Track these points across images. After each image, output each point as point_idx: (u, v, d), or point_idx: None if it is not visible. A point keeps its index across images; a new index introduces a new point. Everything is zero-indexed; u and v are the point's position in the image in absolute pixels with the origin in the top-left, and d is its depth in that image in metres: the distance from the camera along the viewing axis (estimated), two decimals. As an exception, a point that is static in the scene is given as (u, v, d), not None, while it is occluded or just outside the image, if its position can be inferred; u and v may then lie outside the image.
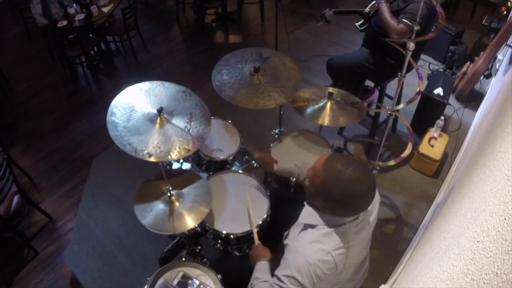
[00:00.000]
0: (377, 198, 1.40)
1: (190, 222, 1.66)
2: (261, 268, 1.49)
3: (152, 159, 1.49)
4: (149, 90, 1.67)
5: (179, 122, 1.62)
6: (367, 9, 2.61)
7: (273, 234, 1.68)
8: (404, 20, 2.24)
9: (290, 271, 1.23)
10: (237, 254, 1.88)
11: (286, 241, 1.37)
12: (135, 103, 1.61)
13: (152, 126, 1.57)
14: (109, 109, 1.56)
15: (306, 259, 1.21)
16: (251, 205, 1.81)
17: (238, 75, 1.99)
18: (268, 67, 2.02)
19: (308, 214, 1.32)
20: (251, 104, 1.88)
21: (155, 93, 1.67)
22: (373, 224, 1.39)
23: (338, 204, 1.20)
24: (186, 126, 1.61)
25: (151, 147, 1.51)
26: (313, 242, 1.24)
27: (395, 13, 2.36)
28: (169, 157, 1.52)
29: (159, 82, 1.70)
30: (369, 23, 2.63)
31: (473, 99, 3.47)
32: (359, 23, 2.72)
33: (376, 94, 3.23)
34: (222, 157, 2.13)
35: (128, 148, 1.49)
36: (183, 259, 2.07)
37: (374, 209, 1.38)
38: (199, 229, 1.92)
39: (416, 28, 1.75)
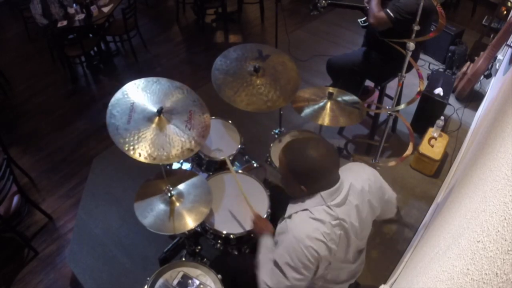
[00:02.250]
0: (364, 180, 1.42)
1: (190, 222, 1.66)
2: (266, 244, 1.53)
3: (156, 161, 1.49)
4: (145, 88, 1.65)
5: (179, 121, 1.62)
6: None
7: (273, 233, 1.68)
8: (387, 10, 2.26)
9: (284, 257, 1.29)
10: (237, 254, 1.88)
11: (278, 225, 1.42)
12: (133, 101, 1.60)
13: (153, 128, 1.56)
14: (108, 110, 1.55)
15: (295, 235, 1.27)
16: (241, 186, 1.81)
17: (238, 75, 1.97)
18: (268, 66, 2.01)
19: (292, 207, 1.38)
20: (249, 107, 1.87)
21: (152, 91, 1.65)
22: (370, 209, 1.42)
23: (307, 177, 1.30)
24: (186, 126, 1.61)
25: (154, 149, 1.51)
26: (302, 221, 1.31)
27: (388, 1, 2.36)
28: (172, 158, 1.52)
29: (155, 79, 1.68)
30: None
31: (473, 99, 3.47)
32: (362, 19, 2.70)
33: (376, 94, 3.23)
34: (222, 157, 2.13)
35: (132, 153, 1.49)
36: (183, 259, 2.07)
37: (364, 194, 1.39)
38: (199, 229, 1.92)
39: (416, 28, 1.75)
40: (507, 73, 2.79)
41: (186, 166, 2.34)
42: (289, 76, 2.01)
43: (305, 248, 1.25)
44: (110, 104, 1.57)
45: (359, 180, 1.40)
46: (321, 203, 1.30)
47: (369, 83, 3.10)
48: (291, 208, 1.38)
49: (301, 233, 1.26)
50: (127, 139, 1.50)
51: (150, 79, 1.68)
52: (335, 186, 1.31)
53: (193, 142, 1.59)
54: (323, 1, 2.47)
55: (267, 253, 1.48)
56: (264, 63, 2.01)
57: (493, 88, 3.25)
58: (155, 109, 1.57)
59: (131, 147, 1.49)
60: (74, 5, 3.88)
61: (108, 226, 2.67)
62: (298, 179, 1.32)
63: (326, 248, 1.27)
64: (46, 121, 3.67)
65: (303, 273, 1.28)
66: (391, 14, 2.23)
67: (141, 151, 1.49)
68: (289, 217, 1.35)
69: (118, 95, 1.60)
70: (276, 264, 1.32)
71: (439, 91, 2.98)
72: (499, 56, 3.41)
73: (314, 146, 1.29)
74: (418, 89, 1.93)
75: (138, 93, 1.63)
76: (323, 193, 1.30)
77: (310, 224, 1.28)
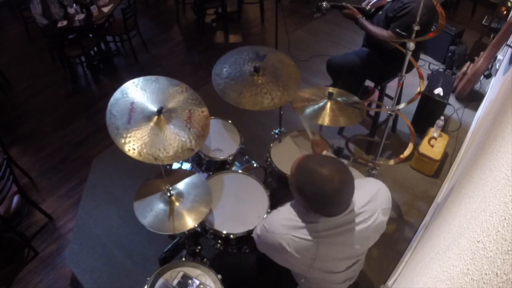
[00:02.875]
0: (379, 207, 1.36)
1: (190, 222, 1.66)
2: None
3: (158, 162, 1.49)
4: (144, 87, 1.64)
5: (179, 121, 1.62)
6: (368, 6, 2.60)
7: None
8: (397, 30, 2.29)
9: (266, 232, 1.33)
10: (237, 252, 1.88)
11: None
12: (132, 101, 1.60)
13: (154, 128, 1.56)
14: (108, 111, 1.54)
15: (274, 231, 1.31)
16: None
17: (239, 77, 1.96)
18: (267, 65, 2.01)
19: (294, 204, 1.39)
20: (257, 106, 1.86)
21: (151, 90, 1.65)
22: (368, 235, 1.36)
23: (312, 202, 1.24)
24: (186, 125, 1.61)
25: (155, 149, 1.51)
26: (289, 221, 1.31)
27: (391, 18, 2.37)
28: (174, 158, 1.52)
29: (153, 77, 1.68)
30: (371, 21, 2.63)
31: (473, 99, 3.47)
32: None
33: (376, 94, 3.23)
34: (222, 157, 2.13)
35: (132, 153, 1.49)
36: (183, 259, 2.07)
37: (369, 219, 1.32)
38: (199, 229, 1.92)
39: (416, 28, 1.75)
40: (507, 73, 2.79)
41: (186, 166, 2.34)
42: (289, 71, 2.03)
43: (278, 244, 1.29)
44: (109, 104, 1.56)
45: (371, 204, 1.33)
46: (313, 228, 1.26)
47: (369, 83, 3.10)
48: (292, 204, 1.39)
49: (280, 231, 1.29)
50: (128, 140, 1.50)
51: (148, 77, 1.67)
52: (335, 217, 1.26)
53: (193, 141, 1.59)
54: (327, 4, 2.49)
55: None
56: (263, 63, 2.01)
57: (493, 88, 3.25)
58: (154, 109, 1.57)
59: (132, 148, 1.49)
60: (74, 5, 3.87)
61: (108, 226, 2.67)
62: (304, 200, 1.27)
63: (295, 254, 1.28)
64: (46, 121, 3.67)
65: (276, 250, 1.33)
66: (403, 34, 2.26)
67: (142, 152, 1.49)
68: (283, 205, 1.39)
69: (117, 94, 1.59)
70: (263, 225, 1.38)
71: (439, 91, 2.98)
72: (499, 56, 3.41)
73: (329, 177, 1.17)
74: (418, 89, 1.93)
75: (137, 92, 1.62)
76: (322, 219, 1.25)
77: (287, 222, 1.30)
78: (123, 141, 1.49)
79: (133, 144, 1.50)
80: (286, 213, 1.34)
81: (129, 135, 1.51)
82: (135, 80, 1.65)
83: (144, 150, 1.50)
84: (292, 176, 1.29)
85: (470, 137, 2.92)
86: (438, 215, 1.84)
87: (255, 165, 2.28)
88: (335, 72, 2.88)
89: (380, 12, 2.53)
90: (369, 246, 1.41)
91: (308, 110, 1.99)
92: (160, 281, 1.63)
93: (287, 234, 1.27)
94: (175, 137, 1.57)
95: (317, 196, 1.21)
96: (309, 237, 1.26)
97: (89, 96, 4.00)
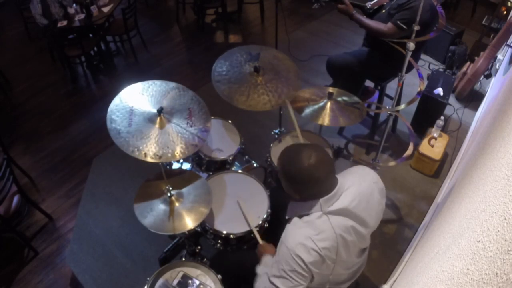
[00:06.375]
0: (372, 197, 1.38)
1: (190, 222, 1.66)
2: (267, 262, 1.54)
3: (162, 160, 1.49)
4: (142, 91, 1.66)
5: (179, 119, 1.62)
6: (369, 5, 2.59)
7: (273, 234, 1.68)
8: (398, 22, 2.28)
9: (277, 269, 1.28)
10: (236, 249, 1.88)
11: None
12: (132, 106, 1.61)
13: (154, 128, 1.56)
14: (108, 116, 1.55)
15: (286, 245, 1.26)
16: (243, 210, 1.83)
17: (241, 80, 1.96)
18: (264, 64, 2.03)
19: (291, 207, 1.39)
20: (267, 105, 1.88)
21: (149, 93, 1.66)
22: (371, 222, 1.38)
23: (298, 184, 1.30)
24: (187, 122, 1.62)
25: (158, 148, 1.51)
26: (295, 228, 1.30)
27: (394, 14, 2.36)
28: (177, 155, 1.52)
29: (150, 82, 1.69)
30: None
31: (473, 99, 3.47)
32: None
33: (376, 95, 3.23)
34: (222, 157, 2.13)
35: (137, 153, 1.49)
36: (183, 259, 2.07)
37: (368, 205, 1.36)
38: (199, 229, 1.92)
39: (416, 28, 1.75)
40: (507, 73, 2.79)
41: (186, 166, 2.34)
42: (286, 66, 2.05)
43: (296, 256, 1.23)
44: (109, 110, 1.57)
45: (365, 184, 1.37)
46: (317, 210, 1.29)
47: (369, 83, 3.10)
48: (291, 209, 1.38)
49: (292, 242, 1.25)
50: (130, 142, 1.50)
51: (145, 82, 1.69)
52: (331, 193, 1.29)
53: (196, 138, 1.59)
54: None
55: (265, 268, 1.49)
56: (259, 62, 2.03)
57: (493, 88, 3.25)
58: (154, 110, 1.58)
59: (136, 149, 1.49)
60: (74, 5, 3.87)
61: (108, 226, 2.67)
62: (291, 185, 1.33)
63: (319, 256, 1.25)
64: (46, 121, 3.67)
65: (296, 281, 1.26)
66: (404, 27, 2.25)
67: (147, 152, 1.50)
68: (287, 222, 1.35)
69: (116, 101, 1.60)
70: (269, 278, 1.32)
71: (439, 91, 2.98)
72: (499, 56, 3.41)
73: (307, 155, 1.26)
74: (418, 89, 1.93)
75: (135, 97, 1.63)
76: (321, 199, 1.28)
77: (303, 232, 1.26)
78: (131, 150, 1.50)
79: (141, 148, 1.51)
80: (293, 225, 1.32)
81: (134, 140, 1.51)
82: (132, 86, 1.66)
83: (149, 151, 1.50)
84: (279, 168, 1.36)
85: (470, 137, 2.92)
86: (438, 215, 1.84)
87: (255, 165, 2.28)
88: (335, 71, 2.88)
89: (383, 11, 2.52)
90: (375, 219, 1.41)
91: (308, 110, 1.99)
92: (160, 281, 1.63)
93: (310, 237, 1.24)
94: (177, 135, 1.57)
95: (298, 176, 1.28)
96: (319, 213, 1.28)
97: (89, 96, 4.00)
